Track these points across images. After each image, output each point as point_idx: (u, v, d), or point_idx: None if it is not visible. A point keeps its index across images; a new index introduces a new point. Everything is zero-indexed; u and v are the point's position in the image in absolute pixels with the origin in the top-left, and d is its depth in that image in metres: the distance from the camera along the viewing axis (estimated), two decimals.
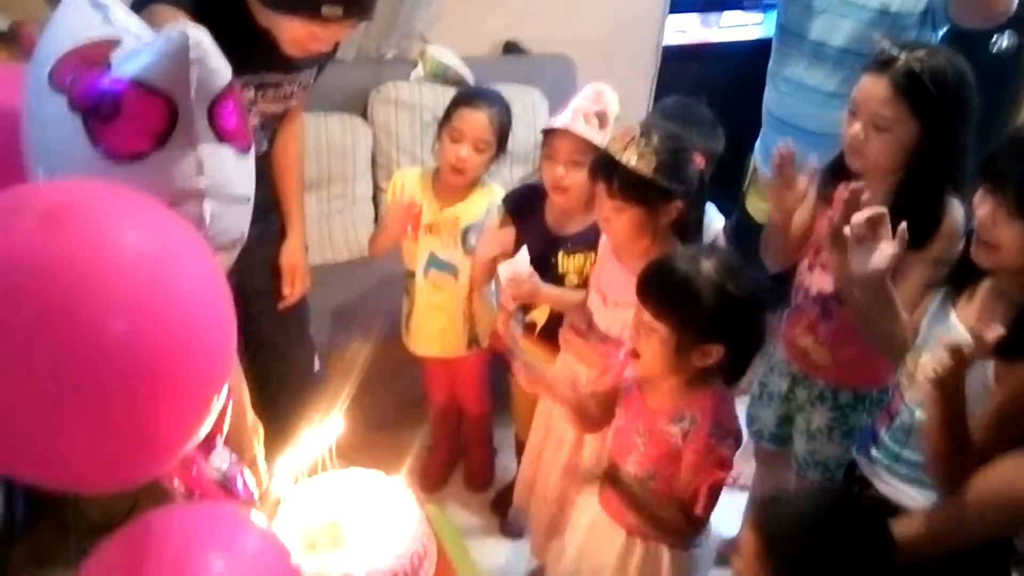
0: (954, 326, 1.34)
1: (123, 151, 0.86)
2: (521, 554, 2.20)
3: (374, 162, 2.63)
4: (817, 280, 1.71)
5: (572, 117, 1.78)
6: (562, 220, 1.89)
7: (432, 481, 2.39)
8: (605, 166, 1.58)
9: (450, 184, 2.00)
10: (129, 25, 1.00)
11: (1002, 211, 1.21)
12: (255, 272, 1.89)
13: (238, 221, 0.97)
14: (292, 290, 1.95)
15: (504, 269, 1.80)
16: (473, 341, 2.15)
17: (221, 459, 1.17)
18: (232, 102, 0.89)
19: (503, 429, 2.42)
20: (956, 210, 1.52)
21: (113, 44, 0.92)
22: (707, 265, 1.33)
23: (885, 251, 1.34)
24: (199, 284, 0.82)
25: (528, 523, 2.10)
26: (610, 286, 1.70)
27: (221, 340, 0.86)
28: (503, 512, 2.30)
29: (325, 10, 1.40)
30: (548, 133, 1.84)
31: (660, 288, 1.36)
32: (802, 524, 1.18)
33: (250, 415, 1.30)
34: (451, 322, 2.11)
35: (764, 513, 1.24)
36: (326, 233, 2.49)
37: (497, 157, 2.00)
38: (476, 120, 1.93)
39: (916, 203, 1.49)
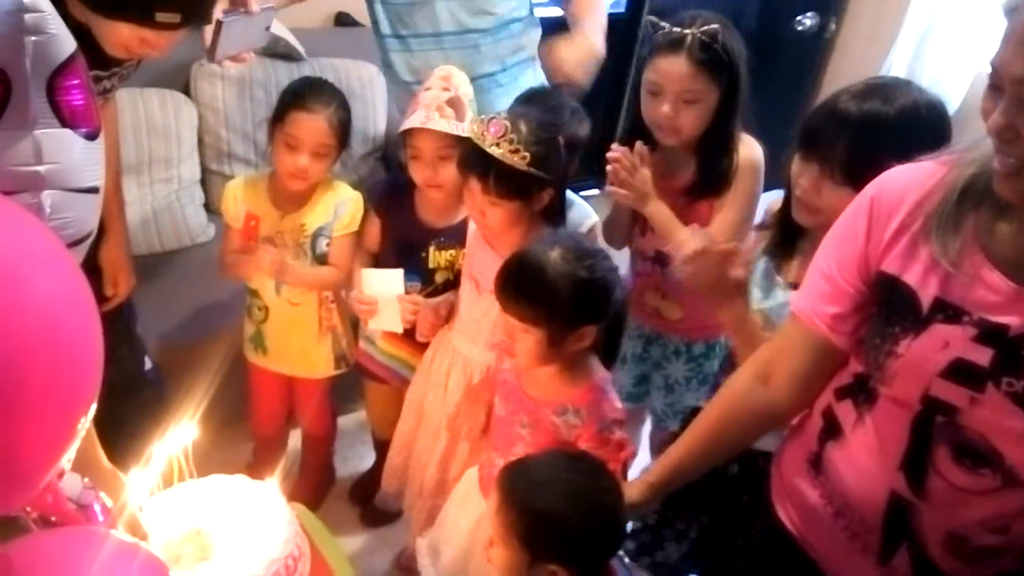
0: (782, 295, 1.41)
1: None
2: (381, 542, 2.17)
3: (201, 142, 2.43)
4: (650, 242, 1.79)
5: (426, 114, 1.67)
6: (434, 213, 1.82)
7: None
8: (478, 162, 1.53)
9: (290, 191, 1.81)
10: None
11: (827, 179, 1.29)
12: None
13: (85, 214, 0.85)
14: (116, 291, 1.77)
15: (374, 286, 1.73)
16: (341, 358, 2.00)
17: (72, 486, 1.04)
18: (77, 77, 0.77)
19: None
20: (753, 147, 1.68)
21: None
22: (554, 255, 1.33)
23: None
24: (59, 286, 0.72)
25: (398, 504, 2.06)
26: (482, 273, 1.66)
27: (88, 350, 0.76)
28: (363, 502, 2.24)
29: (160, 16, 1.23)
30: (407, 133, 1.72)
31: (517, 292, 1.35)
32: (533, 475, 1.25)
33: (105, 461, 1.17)
34: (311, 339, 1.94)
35: (508, 472, 1.28)
36: (151, 219, 2.29)
37: (339, 155, 1.83)
38: (314, 126, 1.72)
39: (714, 150, 1.64)
